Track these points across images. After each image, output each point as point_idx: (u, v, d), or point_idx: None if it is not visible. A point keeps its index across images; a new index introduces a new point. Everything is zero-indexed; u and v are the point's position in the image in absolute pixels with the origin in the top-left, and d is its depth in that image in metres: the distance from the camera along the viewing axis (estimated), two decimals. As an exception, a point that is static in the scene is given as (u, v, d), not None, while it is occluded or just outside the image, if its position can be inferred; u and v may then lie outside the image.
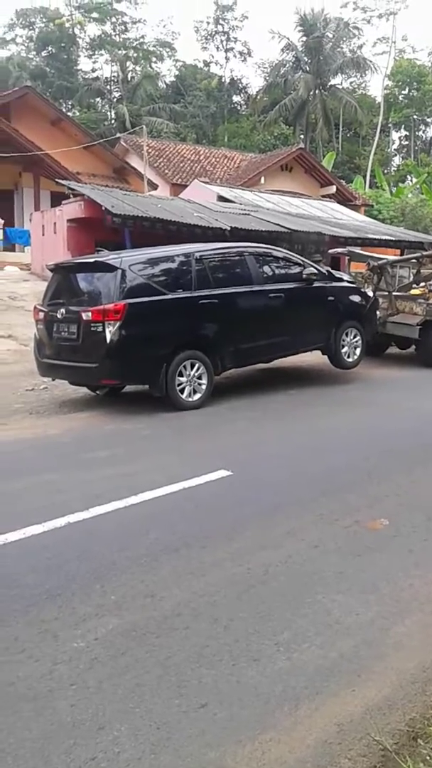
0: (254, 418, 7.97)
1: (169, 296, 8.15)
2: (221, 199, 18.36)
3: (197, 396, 8.34)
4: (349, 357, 10.29)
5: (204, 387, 8.39)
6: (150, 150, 26.80)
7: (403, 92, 49.36)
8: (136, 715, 2.71)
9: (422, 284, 14.19)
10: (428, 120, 54.02)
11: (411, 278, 15.07)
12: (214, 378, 8.58)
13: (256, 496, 5.30)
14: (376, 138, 44.80)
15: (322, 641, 3.26)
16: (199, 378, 8.36)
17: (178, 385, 8.14)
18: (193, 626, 3.36)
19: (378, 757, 2.52)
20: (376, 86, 51.01)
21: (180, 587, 3.75)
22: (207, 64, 51.64)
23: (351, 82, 50.86)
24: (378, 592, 3.77)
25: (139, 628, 3.33)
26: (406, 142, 55.83)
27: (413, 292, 13.70)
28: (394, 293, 12.78)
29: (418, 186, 36.34)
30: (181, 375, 8.16)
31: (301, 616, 3.47)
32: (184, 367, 8.18)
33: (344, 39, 47.39)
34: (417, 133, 54.97)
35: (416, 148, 54.30)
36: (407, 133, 55.11)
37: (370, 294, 11.58)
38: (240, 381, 10.02)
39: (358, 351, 10.41)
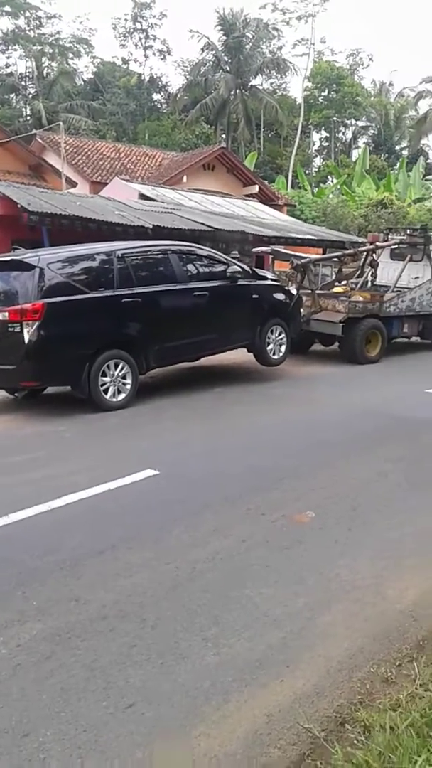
0: (180, 417, 7.93)
1: (91, 295, 8.00)
2: (143, 197, 18.24)
3: (122, 396, 8.23)
4: (274, 354, 10.39)
5: (128, 387, 8.29)
6: (68, 147, 26.35)
7: (322, 94, 50.31)
8: (62, 720, 2.65)
9: (344, 282, 14.51)
10: (347, 122, 55.28)
11: (333, 276, 15.37)
12: (138, 377, 8.49)
13: (183, 495, 5.27)
14: (297, 139, 45.51)
15: (250, 634, 3.27)
16: (124, 378, 8.25)
17: (102, 385, 8.01)
18: (120, 627, 3.31)
19: (307, 744, 2.55)
20: (296, 87, 51.85)
21: (106, 589, 3.69)
22: (126, 61, 51.27)
23: (271, 83, 51.52)
24: (305, 583, 3.82)
25: (64, 632, 3.25)
26: (327, 144, 56.98)
27: (336, 290, 13.99)
28: (317, 291, 12.99)
29: (338, 187, 37.13)
30: (104, 375, 8.03)
31: (229, 611, 3.47)
32: (108, 366, 8.05)
33: (264, 40, 47.90)
34: (337, 134, 56.17)
35: (336, 149, 55.50)
36: (327, 135, 56.26)
37: (294, 292, 11.73)
38: (166, 380, 9.97)
39: (283, 348, 10.52)
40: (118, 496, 5.18)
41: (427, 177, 44.70)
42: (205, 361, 10.38)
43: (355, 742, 2.53)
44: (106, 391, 8.06)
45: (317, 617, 3.46)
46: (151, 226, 13.10)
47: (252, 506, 4.98)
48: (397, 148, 55.78)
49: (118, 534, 4.44)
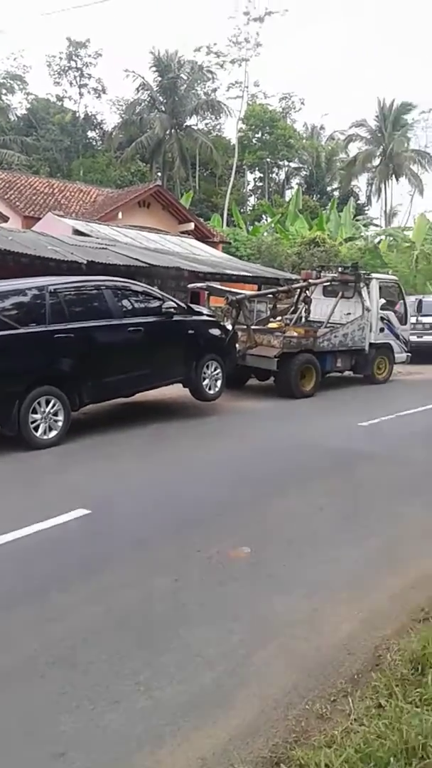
0: (114, 454, 7.82)
1: (21, 330, 7.86)
2: (77, 232, 18.13)
3: (53, 433, 8.04)
4: (210, 389, 10.41)
5: (60, 424, 8.11)
6: (0, 182, 26.15)
7: (256, 135, 51.64)
8: (-15, 776, 2.51)
9: (279, 318, 14.75)
10: (281, 163, 56.80)
11: (268, 312, 15.61)
12: (71, 414, 8.33)
13: (116, 533, 5.18)
14: (232, 178, 46.43)
15: (183, 676, 3.21)
16: (55, 414, 8.07)
17: (32, 422, 7.81)
18: (50, 674, 3.20)
19: (241, 788, 2.49)
20: (230, 128, 53.02)
21: (36, 634, 3.56)
22: (60, 98, 51.35)
23: (206, 124, 52.50)
24: (240, 620, 3.78)
25: (-10, 681, 3.11)
26: (261, 183, 58.33)
27: (271, 325, 14.19)
28: (252, 327, 13.16)
29: (272, 225, 37.99)
30: (35, 412, 7.82)
31: (162, 653, 3.40)
32: (39, 403, 7.86)
33: (198, 82, 48.92)
34: (270, 175, 57.61)
35: (270, 189, 56.86)
36: (261, 175, 57.65)
37: (230, 327, 11.85)
38: (100, 416, 9.83)
39: (219, 383, 10.55)
40: (49, 536, 5.03)
41: (357, 217, 46.37)
42: (140, 396, 10.31)
43: (289, 782, 2.49)
44: (36, 428, 7.86)
45: (252, 655, 3.42)
46: (85, 262, 13.01)
47: (186, 543, 4.93)
48: (329, 189, 57.63)
49: (48, 576, 4.31)
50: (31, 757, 2.63)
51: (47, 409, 7.95)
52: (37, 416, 7.86)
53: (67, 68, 50.23)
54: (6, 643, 3.46)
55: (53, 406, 8.02)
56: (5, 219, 23.39)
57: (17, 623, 3.68)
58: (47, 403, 7.96)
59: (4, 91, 48.59)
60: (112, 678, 3.17)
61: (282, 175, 59.52)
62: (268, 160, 53.85)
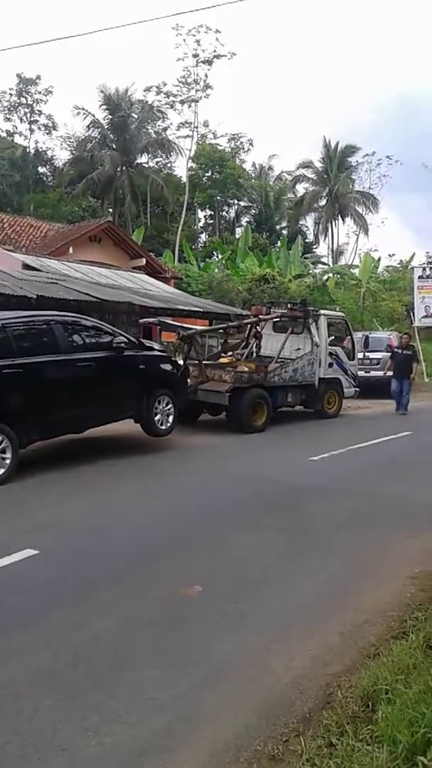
0: (64, 493, 7.68)
1: (-32, 366, 7.74)
2: (27, 267, 18.04)
3: (0, 471, 7.87)
4: (162, 425, 10.37)
5: (8, 462, 7.93)
6: None
7: (206, 174, 52.53)
8: None
9: (230, 353, 14.87)
10: (230, 201, 57.82)
11: (219, 347, 15.74)
12: (19, 451, 8.18)
13: (65, 574, 5.07)
14: (183, 215, 46.96)
15: (134, 720, 3.14)
16: (2, 452, 7.90)
17: (-21, 460, 7.67)
18: (-7, 722, 3.08)
19: None
20: (181, 167, 53.76)
21: (-22, 681, 3.43)
22: (11, 134, 51.32)
23: (157, 162, 53.11)
24: (191, 661, 3.73)
25: None
26: (212, 221, 59.15)
27: (222, 360, 14.29)
28: (204, 362, 13.24)
29: (223, 262, 38.47)
30: (-20, 449, 7.69)
31: (112, 697, 3.33)
32: (-14, 440, 7.73)
33: (149, 120, 49.62)
34: (221, 212, 58.51)
35: (221, 226, 57.69)
36: (212, 212, 58.49)
37: (181, 362, 11.88)
38: (50, 453, 9.67)
39: (170, 418, 10.52)
40: (-5, 578, 4.90)
41: (305, 255, 47.35)
42: (91, 432, 10.19)
43: None
44: (-17, 466, 7.71)
45: (203, 697, 3.37)
46: (35, 296, 12.94)
47: (137, 582, 4.86)
48: (278, 227, 58.81)
49: (-7, 619, 4.18)
50: None
51: (-6, 447, 7.80)
52: (-16, 454, 7.69)
53: (17, 104, 50.33)
54: None
55: (0, 443, 7.86)
56: None
57: (-40, 670, 3.55)
58: (-6, 440, 7.80)
59: None
60: (60, 724, 3.08)
61: (232, 213, 60.55)
62: (219, 198, 54.74)
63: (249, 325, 14.86)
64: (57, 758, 2.84)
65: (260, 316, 14.90)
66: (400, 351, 16.67)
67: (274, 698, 3.37)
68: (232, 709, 3.28)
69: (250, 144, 58.68)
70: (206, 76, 46.80)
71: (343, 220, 55.97)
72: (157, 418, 10.25)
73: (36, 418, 8.41)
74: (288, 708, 3.28)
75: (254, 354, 14.71)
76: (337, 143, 53.45)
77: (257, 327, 14.74)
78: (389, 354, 17.55)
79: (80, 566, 5.25)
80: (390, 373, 16.50)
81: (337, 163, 53.27)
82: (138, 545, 5.82)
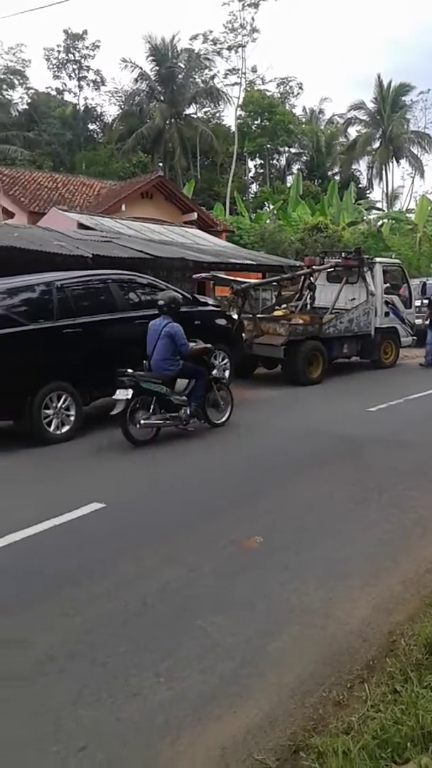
0: (126, 447, 7.83)
1: (30, 327, 7.91)
2: (81, 226, 18.15)
3: (66, 428, 8.11)
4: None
5: (72, 418, 8.18)
6: (4, 178, 26.07)
7: (255, 122, 51.29)
8: (10, 771, 2.56)
9: (284, 306, 14.74)
10: (281, 149, 56.45)
11: (273, 300, 15.59)
12: (83, 409, 8.40)
13: (131, 526, 5.23)
14: (233, 166, 46.21)
15: (202, 666, 3.25)
16: (67, 409, 8.13)
17: (45, 418, 7.88)
18: (69, 668, 3.25)
19: (262, 776, 2.53)
20: (229, 116, 52.66)
21: (53, 629, 3.62)
22: (60, 92, 51.19)
23: (205, 112, 52.18)
24: (255, 609, 3.83)
25: (9, 677, 3.16)
26: (262, 170, 57.99)
27: (276, 313, 14.18)
28: (258, 315, 13.17)
29: (275, 212, 37.82)
30: (47, 407, 7.90)
31: (180, 644, 3.45)
32: (51, 399, 7.94)
33: (196, 70, 48.65)
34: (271, 161, 57.28)
35: (271, 175, 56.49)
36: (262, 162, 57.33)
37: (235, 317, 11.86)
38: (111, 410, 9.85)
39: (226, 373, 10.58)
40: (64, 531, 5.09)
41: (358, 201, 46.03)
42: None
43: (309, 769, 2.53)
44: (49, 423, 7.94)
45: (268, 644, 3.46)
46: (90, 256, 13.02)
47: (200, 534, 4.98)
48: (330, 173, 57.19)
49: (66, 571, 4.37)
50: (52, 752, 2.67)
51: (59, 404, 8.04)
52: (50, 411, 7.94)
53: (65, 61, 50.09)
54: (24, 638, 3.51)
55: (65, 401, 8.09)
56: (11, 215, 23.46)
57: (35, 618, 3.74)
58: (59, 398, 8.04)
59: (4, 87, 48.43)
60: (132, 670, 3.22)
61: (283, 161, 59.14)
62: (268, 146, 53.50)
63: (302, 277, 14.64)
64: (130, 702, 2.98)
65: (314, 267, 14.65)
66: None
67: (338, 646, 3.44)
68: (297, 656, 3.37)
69: (300, 88, 57.04)
70: (253, 19, 45.61)
71: (397, 162, 54.08)
72: (213, 372, 10.29)
73: (97, 375, 8.57)
74: (352, 655, 3.35)
75: (308, 306, 14.52)
76: (390, 82, 51.25)
77: (311, 278, 14.51)
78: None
79: (144, 519, 5.41)
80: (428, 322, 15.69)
81: (391, 102, 51.14)
82: (198, 499, 5.95)
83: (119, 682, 3.13)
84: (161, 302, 8.46)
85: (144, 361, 8.26)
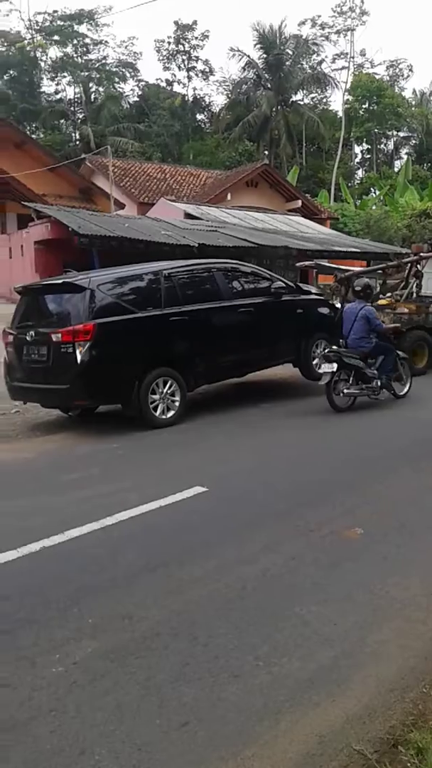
0: (228, 433, 7.98)
1: (139, 314, 8.16)
2: (188, 216, 18.47)
3: (171, 413, 8.32)
4: (320, 368, 10.35)
5: (177, 404, 8.39)
6: (115, 170, 26.84)
7: (363, 106, 50.09)
8: (116, 738, 2.69)
9: (389, 294, 14.39)
10: (389, 133, 54.96)
11: (378, 289, 15.26)
12: (187, 394, 8.58)
13: (232, 511, 5.31)
14: (339, 152, 45.44)
15: (301, 653, 3.27)
16: (172, 395, 8.35)
17: (151, 402, 8.12)
18: (172, 645, 3.35)
19: (359, 766, 2.54)
20: (337, 101, 51.74)
21: (158, 607, 3.74)
22: (170, 83, 52.10)
23: (312, 98, 51.61)
24: (355, 601, 3.80)
25: (118, 650, 3.30)
26: (369, 156, 56.72)
27: (380, 302, 13.86)
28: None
29: (381, 198, 36.92)
30: (153, 393, 8.14)
31: (279, 630, 3.48)
32: (157, 384, 8.16)
33: (304, 56, 48.11)
34: (378, 146, 55.89)
35: (378, 161, 55.19)
36: (369, 147, 56.02)
37: (339, 306, 11.70)
38: (214, 396, 10.04)
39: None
40: (168, 513, 5.24)
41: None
42: (251, 376, 10.42)
43: (408, 765, 2.51)
44: (155, 408, 8.17)
45: (368, 636, 3.44)
46: (196, 245, 13.27)
47: (300, 522, 4.99)
48: (441, 157, 55.14)
49: (169, 551, 4.50)
50: (155, 725, 2.76)
51: (165, 390, 8.25)
52: (156, 397, 8.17)
53: (175, 52, 50.81)
54: (131, 613, 3.65)
55: (170, 386, 8.30)
56: (122, 206, 24.16)
57: (140, 595, 3.87)
58: (165, 384, 8.25)
59: (116, 80, 49.71)
60: (232, 652, 3.29)
61: (390, 146, 57.57)
62: (376, 130, 52.17)
63: (409, 264, 14.22)
64: (230, 683, 3.04)
65: (421, 254, 14.17)
66: None
67: (440, 642, 3.38)
68: (397, 649, 3.33)
69: (410, 70, 55.71)
70: (362, 1, 44.37)
71: None
72: (315, 361, 10.24)
73: (201, 363, 8.75)
74: (454, 653, 3.28)
75: (414, 294, 14.10)
76: None
77: (418, 265, 14.06)
78: None
79: (245, 504, 5.47)
80: None
81: None
82: (298, 487, 5.95)
83: (220, 663, 3.20)
84: (357, 288, 9.87)
85: (340, 340, 9.45)
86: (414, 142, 56.27)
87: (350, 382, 9.11)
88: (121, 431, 8.10)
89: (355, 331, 9.41)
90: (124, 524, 5.00)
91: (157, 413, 8.20)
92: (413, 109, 54.91)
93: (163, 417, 8.25)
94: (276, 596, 3.86)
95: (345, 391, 9.05)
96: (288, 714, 2.83)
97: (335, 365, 8.79)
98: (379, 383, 9.34)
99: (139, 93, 51.48)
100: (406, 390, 9.98)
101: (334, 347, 9.18)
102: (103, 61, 50.83)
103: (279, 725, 2.76)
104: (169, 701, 2.92)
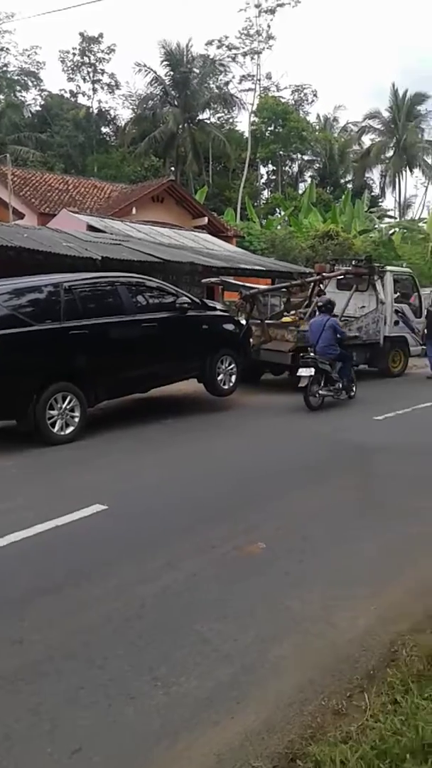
0: (130, 450, 7.86)
1: (37, 327, 7.91)
2: (91, 228, 18.21)
3: (70, 429, 8.10)
4: (224, 384, 10.42)
5: (77, 420, 8.17)
6: (15, 179, 26.17)
7: (269, 128, 51.29)
8: (3, 770, 2.53)
9: (293, 312, 14.72)
10: (294, 156, 56.49)
11: (282, 306, 15.58)
12: (87, 410, 8.38)
13: (132, 529, 5.20)
14: (245, 172, 46.24)
15: (200, 671, 3.22)
16: (72, 411, 8.12)
17: (50, 418, 7.88)
18: (66, 669, 3.22)
19: (257, 784, 2.50)
20: (243, 122, 52.87)
21: (52, 629, 3.59)
22: (74, 94, 51.37)
23: (219, 117, 52.25)
24: (255, 616, 3.79)
25: (7, 676, 3.14)
26: (274, 177, 58.03)
27: (285, 319, 14.15)
28: (266, 321, 13.15)
29: (286, 218, 37.82)
30: (52, 408, 7.90)
31: (178, 648, 3.42)
32: (56, 399, 7.93)
33: (211, 75, 48.74)
34: (283, 168, 57.31)
35: (283, 182, 56.54)
36: (275, 168, 57.38)
37: (244, 322, 11.84)
38: (116, 412, 9.88)
39: (233, 378, 10.56)
40: (65, 532, 5.07)
41: (371, 209, 46.02)
42: (155, 392, 10.34)
43: (306, 778, 2.49)
44: (53, 424, 7.93)
45: (268, 651, 3.43)
46: (99, 258, 13.06)
47: (202, 539, 4.94)
48: (342, 181, 57.17)
49: (65, 572, 4.34)
50: (46, 753, 2.64)
51: (64, 405, 8.02)
52: (54, 412, 7.93)
53: (80, 64, 50.24)
54: (22, 637, 3.49)
55: (70, 402, 8.08)
56: (21, 216, 23.52)
57: (33, 618, 3.71)
58: (64, 399, 8.03)
59: (18, 88, 48.69)
60: (129, 673, 3.19)
61: (295, 168, 59.16)
62: (281, 152, 53.50)
63: (312, 283, 14.62)
64: (127, 706, 2.95)
65: (324, 274, 14.62)
66: (431, 309, 15.46)
67: (338, 654, 3.40)
68: (296, 663, 3.33)
69: (315, 95, 57.01)
70: (269, 26, 45.88)
71: (411, 171, 54.20)
72: (219, 377, 10.31)
73: (103, 377, 8.59)
74: (352, 664, 3.31)
75: (317, 313, 14.49)
76: (406, 91, 51.42)
77: (320, 285, 14.48)
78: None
79: (146, 522, 5.38)
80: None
81: (406, 112, 51.26)
82: (201, 503, 5.91)
83: (116, 684, 3.10)
84: (320, 303, 11.60)
85: (309, 348, 10.92)
86: (318, 165, 58.09)
87: (321, 384, 10.62)
88: (15, 448, 7.79)
89: (324, 340, 10.81)
90: (18, 545, 4.79)
91: (56, 429, 7.96)
92: (317, 133, 56.76)
93: (62, 433, 8.02)
94: (176, 614, 3.79)
95: (319, 392, 10.57)
96: (186, 734, 2.77)
97: (312, 369, 10.21)
98: (340, 385, 10.96)
99: (42, 102, 50.55)
100: (354, 392, 11.53)
101: (311, 353, 10.62)
102: (4, 69, 49.63)
103: (176, 746, 2.70)
104: (62, 727, 2.80)
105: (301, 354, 11.08)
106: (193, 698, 3.01)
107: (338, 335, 10.97)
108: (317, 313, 11.61)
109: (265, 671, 3.25)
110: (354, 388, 11.51)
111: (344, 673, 3.23)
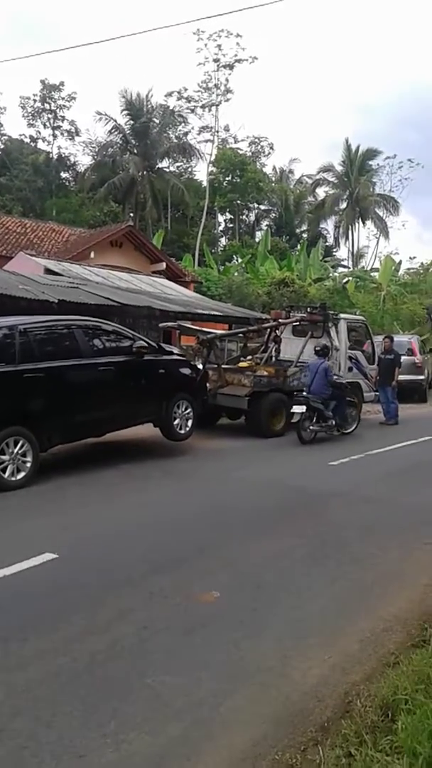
0: (83, 496, 7.71)
1: (-12, 370, 7.79)
2: (49, 272, 18.14)
3: (21, 474, 7.90)
4: (181, 429, 10.37)
5: (29, 465, 7.98)
6: (-30, 221, 26.16)
7: (227, 178, 52.48)
8: None
9: (249, 357, 14.84)
10: (250, 205, 57.80)
11: (239, 351, 15.70)
12: (39, 455, 8.22)
13: (84, 579, 5.07)
14: (203, 220, 47.01)
15: (151, 727, 3.13)
16: (24, 455, 7.94)
17: (0, 463, 7.71)
18: (11, 727, 3.10)
19: None
20: (201, 171, 53.98)
21: (-3, 685, 3.45)
22: (34, 139, 51.73)
23: (178, 166, 53.24)
24: (209, 668, 3.71)
25: None
26: (231, 225, 59.16)
27: (241, 364, 14.26)
28: (223, 366, 13.22)
29: (243, 265, 38.44)
30: (3, 453, 7.72)
31: (129, 703, 3.32)
32: (7, 444, 7.75)
33: (170, 125, 49.82)
34: (241, 216, 58.52)
35: (241, 230, 57.66)
36: (232, 216, 58.53)
37: (200, 367, 11.88)
38: (70, 456, 9.72)
39: (189, 422, 10.52)
40: (13, 582, 4.92)
41: (325, 258, 47.16)
42: (111, 436, 10.23)
43: None
44: (4, 470, 7.72)
45: (221, 704, 3.35)
46: (56, 301, 12.99)
47: (155, 589, 4.85)
48: (298, 230, 58.70)
49: (11, 624, 4.20)
50: None
51: (15, 450, 7.84)
52: (5, 457, 7.74)
53: (41, 110, 50.77)
54: (-33, 695, 3.35)
55: (21, 446, 7.91)
56: (-24, 258, 23.37)
57: (-21, 674, 3.57)
58: (15, 443, 7.85)
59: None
60: (77, 730, 3.09)
61: (252, 217, 60.51)
62: (239, 202, 54.66)
63: (268, 329, 14.82)
64: (75, 765, 2.84)
65: (280, 320, 14.85)
66: (382, 356, 15.86)
67: (292, 706, 3.35)
68: (250, 716, 3.26)
69: (271, 148, 58.76)
70: (227, 80, 47.11)
71: (363, 223, 55.78)
72: (176, 422, 10.26)
73: (57, 421, 8.45)
74: (306, 716, 3.26)
75: (273, 358, 14.66)
76: (358, 146, 53.29)
77: (277, 331, 14.70)
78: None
79: (98, 571, 5.26)
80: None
81: (358, 166, 53.07)
82: (154, 551, 5.82)
83: (64, 743, 2.99)
84: (317, 348, 12.88)
85: (304, 388, 12.35)
86: (274, 215, 59.53)
87: (314, 420, 11.87)
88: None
89: (317, 381, 12.11)
90: (-35, 595, 4.62)
91: (6, 475, 7.75)
92: (273, 184, 58.35)
93: (13, 479, 7.81)
94: (126, 668, 3.69)
95: (310, 427, 11.82)
96: (135, 796, 2.67)
97: (304, 407, 11.48)
98: (333, 423, 12.24)
99: (1, 146, 50.77)
100: (352, 429, 12.90)
101: (304, 393, 11.99)
102: (-38, 113, 49.81)
103: (125, 810, 2.59)
104: (4, 793, 2.66)
105: (295, 393, 12.29)
106: (143, 756, 2.92)
107: (329, 378, 12.16)
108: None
109: (218, 726, 3.18)
110: (350, 427, 12.78)
111: (298, 726, 3.18)
